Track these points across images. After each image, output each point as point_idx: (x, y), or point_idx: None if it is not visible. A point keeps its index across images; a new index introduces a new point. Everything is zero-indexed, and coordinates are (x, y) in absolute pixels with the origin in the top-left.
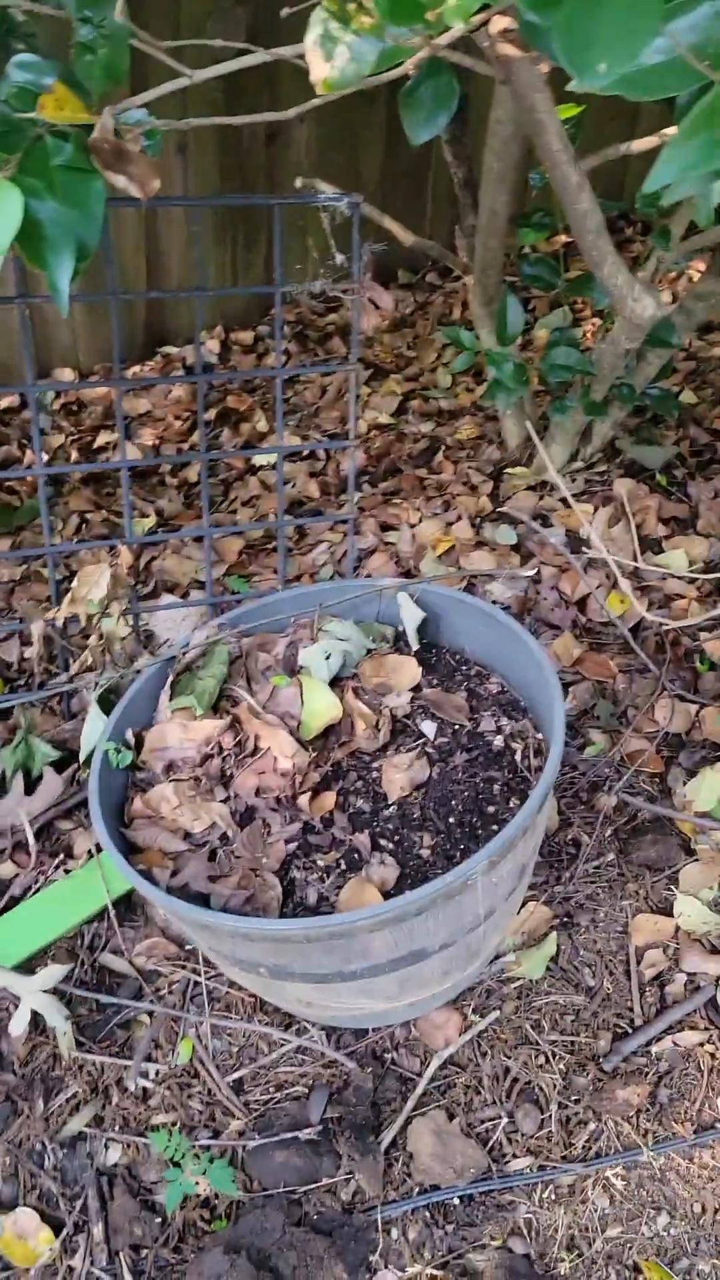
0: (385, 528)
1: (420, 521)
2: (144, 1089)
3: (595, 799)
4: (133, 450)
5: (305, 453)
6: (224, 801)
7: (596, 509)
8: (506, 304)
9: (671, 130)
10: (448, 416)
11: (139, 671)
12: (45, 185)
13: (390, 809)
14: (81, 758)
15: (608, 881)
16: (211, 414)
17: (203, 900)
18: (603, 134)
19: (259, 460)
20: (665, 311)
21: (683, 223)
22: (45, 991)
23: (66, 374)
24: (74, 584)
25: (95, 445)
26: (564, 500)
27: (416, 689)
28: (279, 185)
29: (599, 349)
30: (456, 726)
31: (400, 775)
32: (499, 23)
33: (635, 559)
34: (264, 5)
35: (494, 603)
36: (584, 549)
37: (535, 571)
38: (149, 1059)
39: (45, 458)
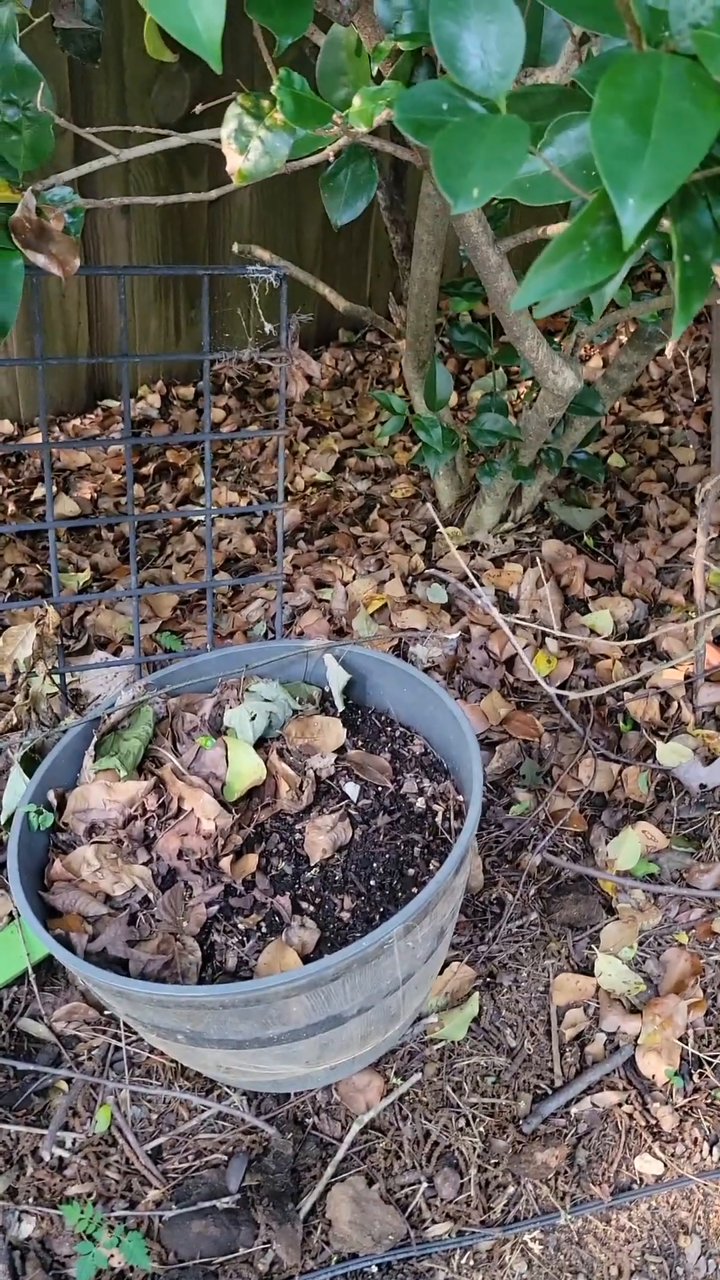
0: (319, 584)
1: (354, 579)
2: (60, 1159)
3: (520, 858)
4: (70, 503)
5: (205, 524)
6: (146, 864)
7: (525, 569)
8: (435, 371)
9: None
10: (384, 475)
11: (64, 731)
12: None
13: (312, 871)
14: (1, 819)
15: (530, 941)
16: (150, 468)
17: (121, 965)
18: (537, 209)
19: (196, 514)
20: (582, 383)
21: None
22: None
23: (6, 426)
24: None
25: (33, 498)
26: (494, 560)
27: (341, 750)
28: (220, 244)
29: (525, 416)
30: (379, 788)
31: (323, 837)
32: None
33: (560, 620)
34: (210, 69)
35: (422, 663)
36: (512, 610)
37: (464, 631)
38: (66, 1127)
39: None
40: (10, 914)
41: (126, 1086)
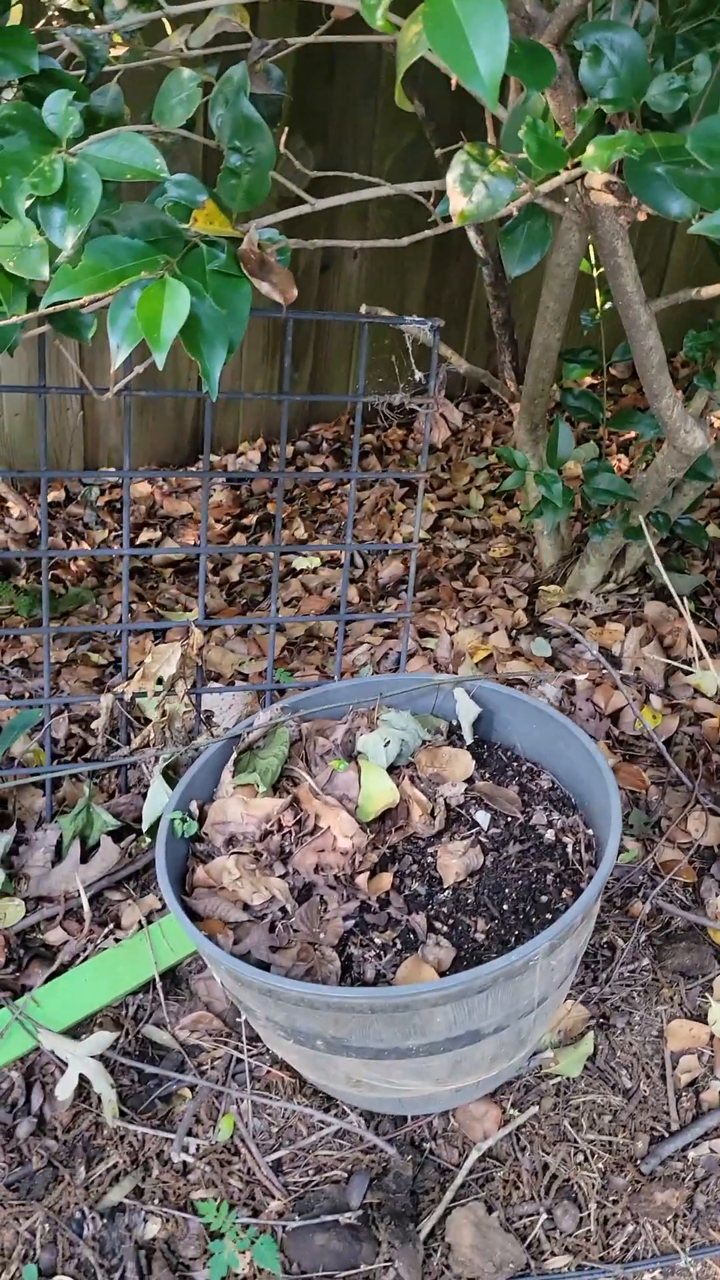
0: (423, 634)
1: (458, 630)
2: (184, 1163)
3: (629, 904)
4: (174, 546)
5: (343, 560)
6: (283, 877)
7: (628, 629)
8: (559, 430)
9: None
10: (481, 535)
11: (198, 749)
12: (202, 286)
13: (445, 893)
14: (145, 826)
15: (643, 986)
16: (253, 519)
17: (263, 969)
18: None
19: (299, 564)
20: (709, 445)
21: None
22: (93, 1057)
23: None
24: (147, 660)
25: (137, 541)
26: (595, 619)
27: (470, 781)
28: (328, 311)
29: (641, 477)
30: (509, 818)
31: (455, 861)
32: (600, 177)
33: (664, 679)
34: (331, 148)
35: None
36: (615, 667)
37: (569, 684)
38: (190, 1133)
39: (89, 549)
40: (139, 922)
41: (248, 1098)
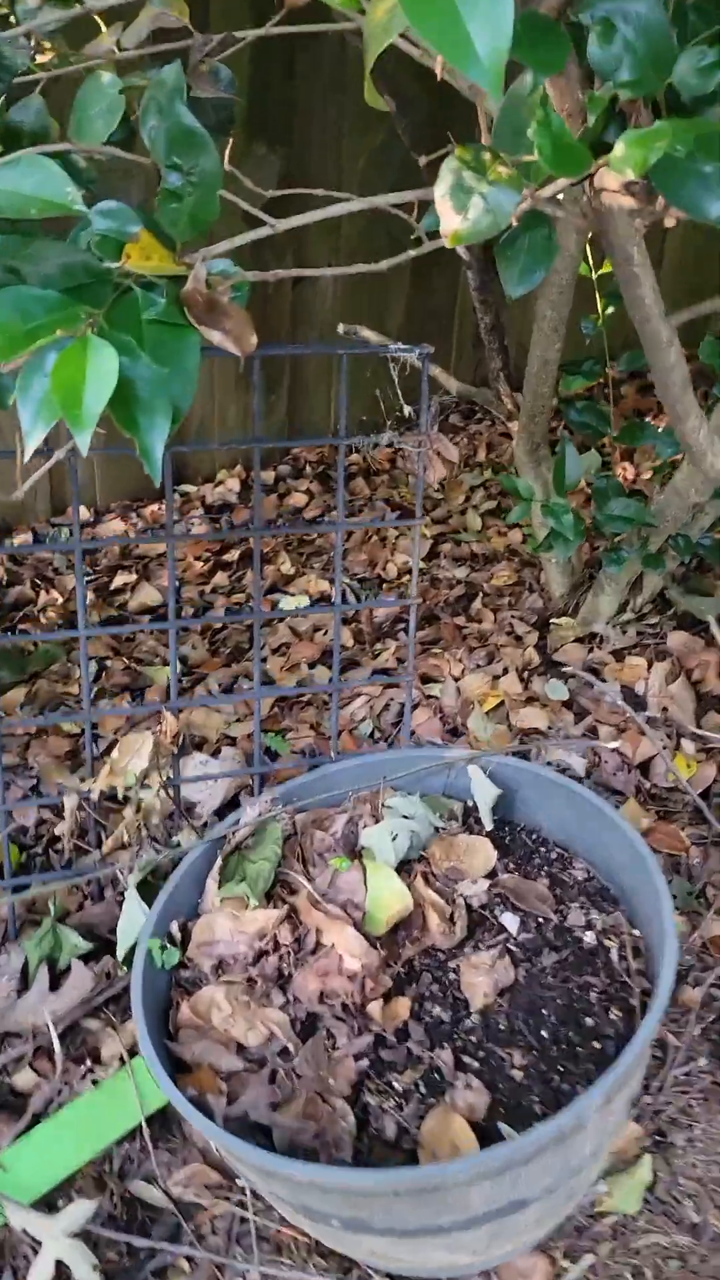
0: (426, 679)
1: (464, 674)
2: None
3: (680, 992)
4: (151, 591)
5: (334, 620)
6: (282, 1007)
7: (651, 664)
8: (566, 454)
9: None
10: (482, 561)
11: (179, 850)
12: (136, 341)
13: (472, 1018)
14: (120, 953)
15: (702, 1091)
16: (235, 554)
17: (264, 1132)
18: (694, 283)
19: (287, 604)
20: None
21: None
22: (71, 1235)
23: (83, 513)
24: (114, 753)
25: (112, 586)
26: (614, 654)
27: (492, 875)
28: (302, 328)
29: (660, 501)
30: (541, 920)
31: (482, 978)
32: (618, 177)
33: (695, 719)
34: (296, 153)
35: (574, 773)
36: (640, 708)
37: (590, 731)
38: None
39: (60, 599)
40: (121, 1056)
41: (255, 1268)
